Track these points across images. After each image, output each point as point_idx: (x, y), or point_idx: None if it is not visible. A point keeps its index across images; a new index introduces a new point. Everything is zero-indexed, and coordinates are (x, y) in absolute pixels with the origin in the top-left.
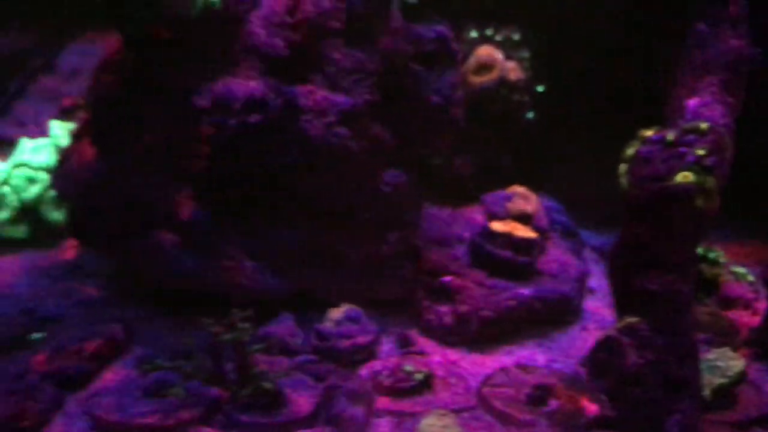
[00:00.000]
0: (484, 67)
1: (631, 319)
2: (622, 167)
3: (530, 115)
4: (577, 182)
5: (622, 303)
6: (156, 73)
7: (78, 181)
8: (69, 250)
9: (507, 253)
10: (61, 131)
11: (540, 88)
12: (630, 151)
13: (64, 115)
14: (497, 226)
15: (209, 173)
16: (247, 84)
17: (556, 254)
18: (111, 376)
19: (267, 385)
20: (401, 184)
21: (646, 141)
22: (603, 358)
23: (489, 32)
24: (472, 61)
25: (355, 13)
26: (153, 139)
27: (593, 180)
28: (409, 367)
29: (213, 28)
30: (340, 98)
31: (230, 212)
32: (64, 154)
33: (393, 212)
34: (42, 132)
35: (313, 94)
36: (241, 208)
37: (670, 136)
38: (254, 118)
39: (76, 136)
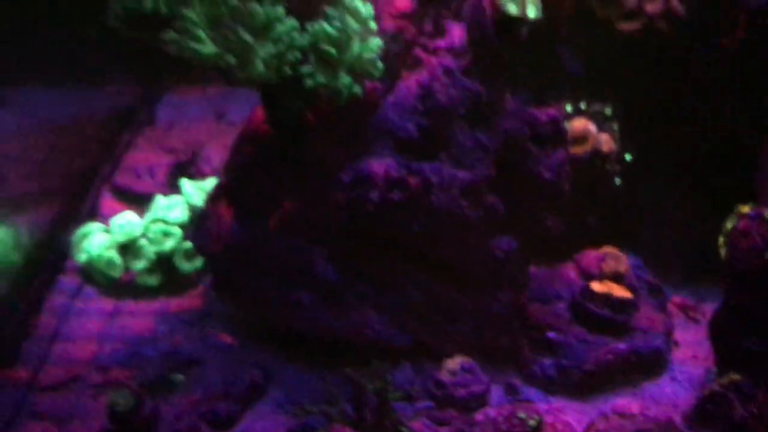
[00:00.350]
0: (579, 139)
1: (734, 376)
2: (721, 239)
3: (618, 181)
4: (659, 241)
5: (724, 361)
6: (298, 149)
7: (218, 241)
8: (199, 297)
9: (606, 312)
10: (192, 190)
11: (628, 157)
12: (729, 224)
13: (179, 169)
14: (597, 286)
15: (344, 238)
16: (384, 163)
17: (645, 310)
18: (254, 418)
19: (404, 430)
20: (512, 250)
21: (743, 216)
22: (709, 410)
23: (583, 106)
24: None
25: (479, 101)
26: (292, 206)
27: (673, 239)
28: (522, 414)
29: (352, 112)
30: (462, 174)
31: (360, 271)
32: (202, 215)
33: (504, 274)
34: (156, 183)
35: (440, 171)
36: (369, 267)
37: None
38: (396, 195)
39: (213, 198)
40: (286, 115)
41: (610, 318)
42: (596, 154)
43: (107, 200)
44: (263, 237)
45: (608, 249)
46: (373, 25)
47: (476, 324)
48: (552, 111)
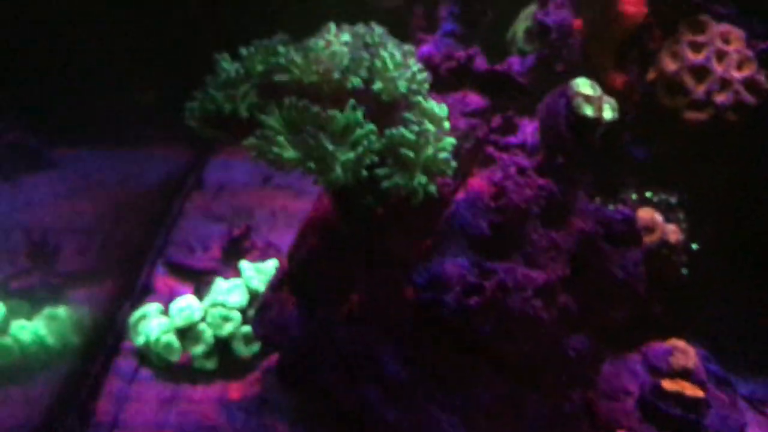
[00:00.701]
0: (646, 229)
1: None
2: None
3: (684, 271)
4: (726, 332)
5: None
6: (368, 242)
7: (281, 331)
8: (257, 382)
9: (678, 412)
10: (251, 272)
11: (695, 246)
12: None
13: (233, 244)
14: (668, 385)
15: (413, 335)
16: (459, 264)
17: (716, 406)
18: None
19: None
20: (584, 349)
21: None
22: None
23: (648, 194)
24: None
25: (553, 200)
26: (360, 300)
27: (741, 330)
28: None
29: (423, 207)
30: (536, 274)
31: (429, 369)
32: (264, 303)
33: (576, 373)
34: (210, 258)
35: (513, 271)
36: (438, 366)
37: None
38: (472, 301)
39: (275, 286)
40: (358, 211)
41: (682, 417)
42: (663, 244)
43: (160, 276)
44: (329, 329)
45: (676, 342)
46: (446, 124)
47: (548, 423)
48: (626, 210)
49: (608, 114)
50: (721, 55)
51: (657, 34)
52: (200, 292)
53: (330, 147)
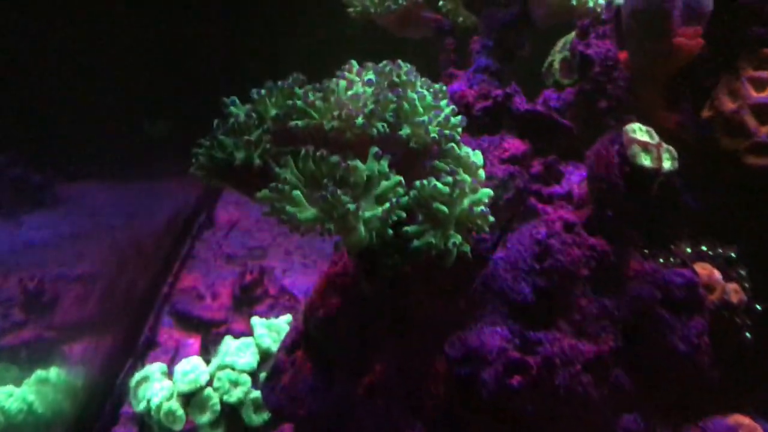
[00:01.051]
0: (703, 287)
1: None
2: None
3: (748, 335)
4: None
5: None
6: (394, 305)
7: (295, 402)
8: None
9: None
10: (263, 330)
11: (759, 307)
12: None
13: (244, 293)
14: None
15: (445, 411)
16: (498, 334)
17: None
18: None
19: None
20: (639, 431)
21: None
22: None
23: (704, 248)
24: None
25: (605, 261)
26: (385, 370)
27: None
28: None
29: (457, 266)
30: (585, 346)
31: None
32: (277, 366)
33: None
34: (219, 307)
35: (560, 342)
36: None
37: None
38: (515, 380)
39: (289, 348)
40: (383, 271)
41: None
42: (724, 305)
43: (166, 327)
44: (350, 402)
45: (740, 418)
46: (482, 173)
47: None
48: (687, 272)
49: (668, 164)
50: None
51: (711, 68)
52: (207, 346)
53: (352, 205)
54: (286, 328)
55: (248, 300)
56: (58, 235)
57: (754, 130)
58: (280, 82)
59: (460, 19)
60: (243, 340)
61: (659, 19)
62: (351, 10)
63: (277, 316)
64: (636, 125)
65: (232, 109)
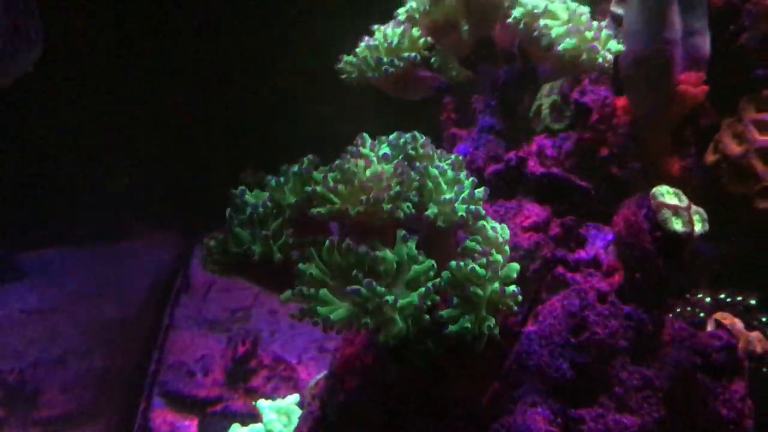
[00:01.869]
0: None
1: None
2: None
3: None
4: None
5: None
6: (421, 388)
7: None
8: None
9: None
10: (272, 415)
11: None
12: None
13: (238, 366)
14: None
15: None
16: (540, 416)
17: None
18: None
19: None
20: None
21: None
22: None
23: (723, 296)
24: (708, 329)
25: (643, 331)
26: None
27: None
28: None
29: (486, 346)
30: (629, 420)
31: None
32: None
33: None
34: (213, 382)
35: (603, 418)
36: None
37: None
38: None
39: None
40: (414, 356)
41: None
42: (748, 356)
43: (159, 410)
44: None
45: None
46: (507, 248)
47: None
48: (724, 334)
49: (699, 226)
50: None
51: (713, 111)
52: (205, 428)
53: (390, 296)
54: (296, 411)
55: (243, 373)
56: (27, 311)
57: (762, 175)
58: (295, 166)
59: (454, 73)
60: (252, 427)
61: (663, 67)
62: (345, 76)
63: (275, 389)
64: (664, 188)
65: (248, 198)
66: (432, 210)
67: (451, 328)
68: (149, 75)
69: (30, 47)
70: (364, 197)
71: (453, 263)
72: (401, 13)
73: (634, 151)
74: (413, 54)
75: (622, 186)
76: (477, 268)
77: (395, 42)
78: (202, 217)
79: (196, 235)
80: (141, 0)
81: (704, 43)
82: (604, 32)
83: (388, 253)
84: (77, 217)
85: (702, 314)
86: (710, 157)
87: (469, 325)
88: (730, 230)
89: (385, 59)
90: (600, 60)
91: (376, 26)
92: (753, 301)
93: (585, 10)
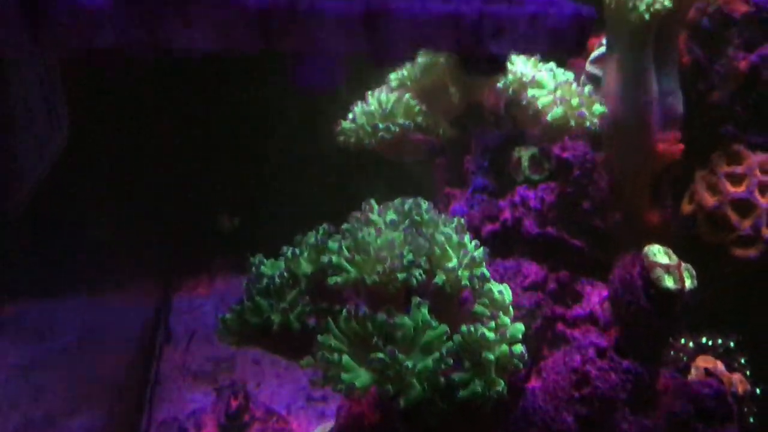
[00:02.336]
0: None
1: None
2: None
3: (752, 419)
4: None
5: None
6: None
7: None
8: None
9: None
10: None
11: (758, 391)
12: None
13: (231, 421)
14: None
15: None
16: None
17: None
18: None
19: None
20: None
21: None
22: None
23: (704, 339)
24: (693, 374)
25: (640, 382)
26: None
27: None
28: None
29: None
30: None
31: None
32: None
33: None
34: None
35: None
36: None
37: None
38: None
39: None
40: (429, 420)
41: None
42: (732, 397)
43: None
44: None
45: None
46: (511, 310)
47: None
48: (714, 383)
49: (689, 282)
50: (764, 188)
51: (686, 163)
52: None
53: (408, 362)
54: None
55: (237, 429)
56: (6, 366)
57: (737, 224)
58: (312, 238)
59: (441, 130)
60: None
61: (641, 128)
62: (342, 138)
63: None
64: (655, 248)
65: (263, 269)
66: (440, 277)
67: (462, 393)
68: (129, 127)
69: (61, 128)
70: (380, 267)
71: (464, 328)
72: (393, 79)
73: (615, 204)
74: (407, 122)
75: (605, 237)
76: (486, 332)
77: (389, 109)
78: (178, 265)
79: (174, 283)
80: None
81: (678, 103)
82: (589, 97)
83: (406, 320)
84: (56, 267)
85: (685, 358)
86: (686, 208)
87: (480, 389)
88: (707, 276)
89: (381, 125)
90: (588, 125)
91: (369, 92)
92: (732, 343)
93: (570, 76)
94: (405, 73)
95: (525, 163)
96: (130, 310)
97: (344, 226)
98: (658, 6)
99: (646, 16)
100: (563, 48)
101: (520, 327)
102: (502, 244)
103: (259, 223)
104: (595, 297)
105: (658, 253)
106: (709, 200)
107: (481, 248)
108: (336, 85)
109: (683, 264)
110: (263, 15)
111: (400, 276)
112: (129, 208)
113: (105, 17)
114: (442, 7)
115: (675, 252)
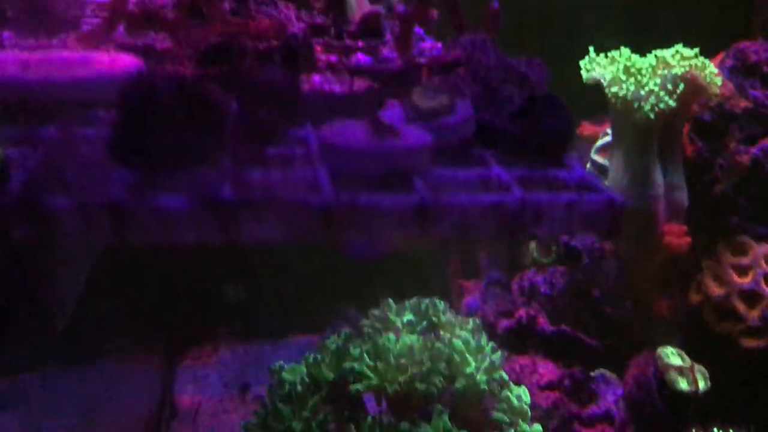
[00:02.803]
0: None
1: None
2: None
3: None
4: None
5: None
6: None
7: None
8: None
9: None
10: None
11: None
12: None
13: None
14: None
15: None
16: None
17: None
18: None
19: None
20: None
21: None
22: None
23: (715, 430)
24: None
25: None
26: None
27: None
28: None
29: None
30: None
31: None
32: None
33: None
34: None
35: None
36: None
37: None
38: None
39: None
40: None
41: None
42: None
43: None
44: None
45: None
46: (529, 412)
47: None
48: None
49: (702, 384)
50: None
51: (694, 254)
52: None
53: None
54: None
55: None
56: None
57: (744, 315)
58: (333, 345)
59: None
60: None
61: (648, 221)
62: None
63: None
64: (668, 350)
65: (285, 375)
66: (461, 383)
67: None
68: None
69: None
70: (401, 378)
71: None
72: None
73: (625, 292)
74: None
75: (614, 324)
76: None
77: None
78: (182, 335)
79: (178, 352)
80: None
81: (683, 196)
82: None
83: (429, 428)
84: (58, 337)
85: None
86: (694, 297)
87: None
88: (717, 365)
89: None
90: None
91: None
92: None
93: None
94: None
95: (533, 246)
96: (133, 383)
97: (365, 327)
98: (662, 105)
99: (651, 116)
100: (595, 230)
101: (538, 429)
102: (518, 339)
103: (263, 292)
104: (610, 396)
105: (671, 355)
106: (716, 291)
107: (498, 352)
108: (380, 255)
109: (696, 366)
110: (327, 212)
111: (420, 387)
112: (131, 277)
113: (183, 218)
114: (487, 197)
115: (684, 343)
